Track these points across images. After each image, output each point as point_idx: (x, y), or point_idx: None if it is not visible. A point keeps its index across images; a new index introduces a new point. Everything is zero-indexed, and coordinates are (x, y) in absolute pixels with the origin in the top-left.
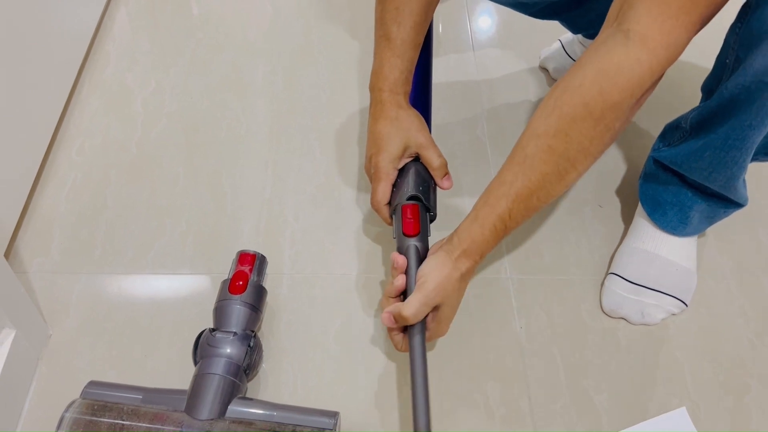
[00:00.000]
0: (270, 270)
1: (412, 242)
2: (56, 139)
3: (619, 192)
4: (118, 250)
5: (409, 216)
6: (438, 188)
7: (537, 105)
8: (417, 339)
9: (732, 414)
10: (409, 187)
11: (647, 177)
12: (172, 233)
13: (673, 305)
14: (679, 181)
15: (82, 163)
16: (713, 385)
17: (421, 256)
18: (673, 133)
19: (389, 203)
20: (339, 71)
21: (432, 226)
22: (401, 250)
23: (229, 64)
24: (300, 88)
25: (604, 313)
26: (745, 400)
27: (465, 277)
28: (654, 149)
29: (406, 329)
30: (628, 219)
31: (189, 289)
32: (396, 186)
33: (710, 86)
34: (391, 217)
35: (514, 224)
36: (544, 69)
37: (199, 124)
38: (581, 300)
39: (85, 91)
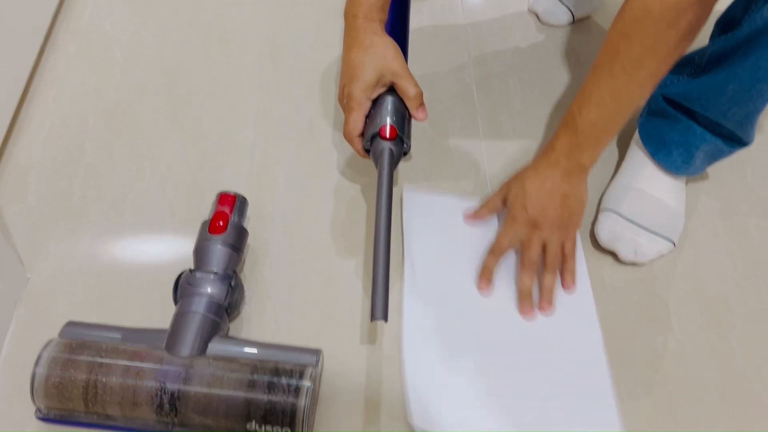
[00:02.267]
0: (253, 214)
1: (387, 144)
2: (31, 86)
3: None
4: (97, 196)
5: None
6: (413, 119)
7: (525, 50)
8: (382, 221)
9: (716, 352)
10: (383, 117)
11: (652, 114)
12: (152, 179)
13: (664, 247)
14: (689, 118)
15: (59, 110)
16: (698, 324)
17: (396, 160)
18: (682, 68)
19: (362, 135)
20: (323, 17)
21: (416, 173)
22: (375, 154)
23: (210, 9)
24: (283, 34)
25: (600, 244)
26: (729, 338)
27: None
28: (660, 85)
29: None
30: (609, 159)
31: (170, 232)
32: (369, 117)
33: (732, 16)
34: (366, 151)
35: (601, 129)
36: (532, 13)
37: (180, 71)
38: None
39: (61, 37)
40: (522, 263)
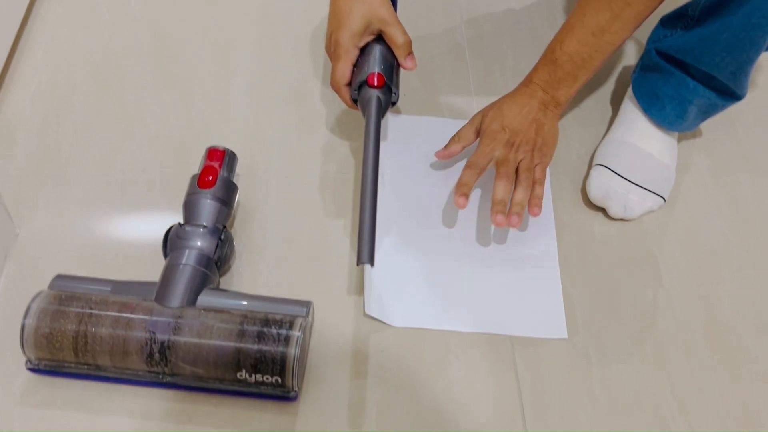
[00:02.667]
0: (243, 171)
1: (375, 92)
2: (18, 45)
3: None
4: (86, 154)
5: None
6: (402, 69)
7: (518, 11)
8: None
9: (704, 302)
10: (371, 65)
11: (645, 69)
12: (141, 137)
13: (655, 203)
14: (682, 72)
15: (47, 68)
16: (686, 276)
17: (384, 109)
18: (675, 22)
19: (350, 84)
20: None
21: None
22: (363, 103)
23: None
24: None
25: (590, 200)
26: (717, 291)
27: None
28: (653, 40)
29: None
30: (604, 116)
31: (159, 189)
32: (357, 66)
33: None
34: (354, 101)
35: (580, 65)
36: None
37: (168, 31)
38: (557, 198)
39: None
40: (498, 174)
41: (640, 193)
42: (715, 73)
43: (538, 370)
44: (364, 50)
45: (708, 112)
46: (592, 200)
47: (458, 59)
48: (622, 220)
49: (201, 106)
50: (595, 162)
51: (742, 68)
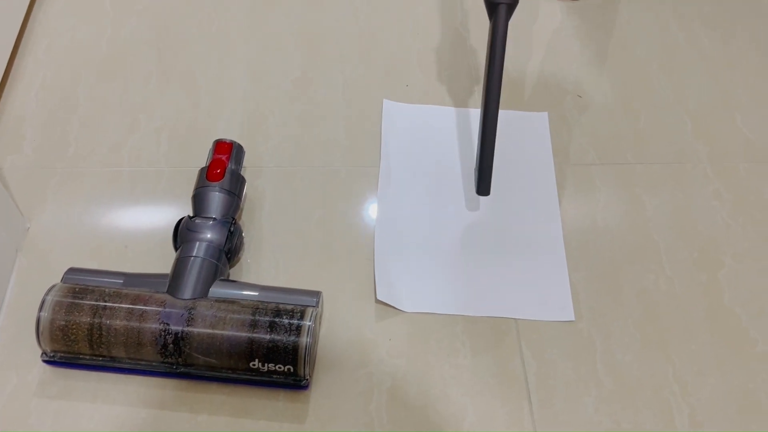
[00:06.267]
0: (249, 164)
1: None
2: (20, 42)
3: None
4: (92, 147)
5: None
6: None
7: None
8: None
9: (705, 288)
10: None
11: None
12: (147, 129)
13: None
14: None
15: (51, 63)
16: (687, 262)
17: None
18: None
19: None
20: None
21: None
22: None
23: None
24: None
25: None
26: (718, 276)
27: None
28: None
29: None
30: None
31: (166, 182)
32: None
33: None
34: None
35: None
36: None
37: (171, 23)
38: (560, 186)
39: None
40: None
41: None
42: None
43: (543, 355)
44: None
45: None
46: None
47: (459, 48)
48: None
49: (205, 97)
50: None
51: None
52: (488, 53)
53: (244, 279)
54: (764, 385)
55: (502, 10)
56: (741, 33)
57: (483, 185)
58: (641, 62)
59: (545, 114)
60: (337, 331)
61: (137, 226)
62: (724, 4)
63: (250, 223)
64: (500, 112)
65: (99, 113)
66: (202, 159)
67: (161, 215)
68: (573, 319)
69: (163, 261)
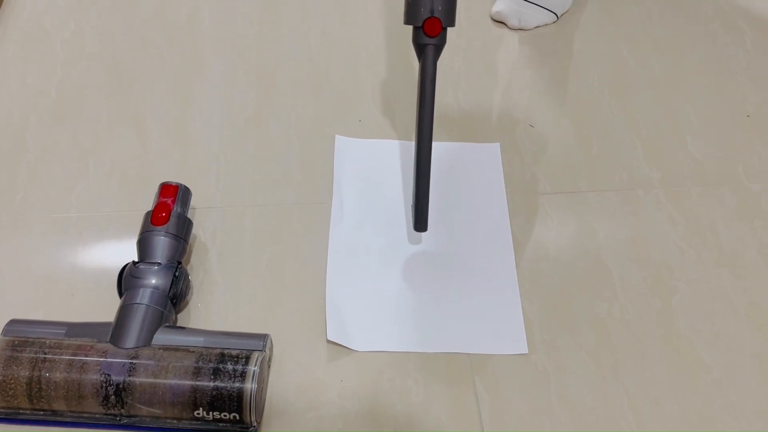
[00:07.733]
0: (200, 204)
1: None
2: None
3: None
4: (40, 193)
5: None
6: None
7: (468, 33)
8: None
9: (659, 314)
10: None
11: None
12: (96, 173)
13: (547, 17)
14: None
15: (0, 108)
16: (641, 288)
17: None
18: None
19: None
20: (268, 5)
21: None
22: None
23: (151, 2)
24: (226, 24)
25: (491, 16)
26: (671, 302)
27: None
28: None
29: None
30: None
31: (115, 226)
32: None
33: None
34: None
35: None
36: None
37: (122, 64)
38: (512, 215)
39: (0, 36)
40: None
41: (534, 8)
42: None
43: (497, 389)
44: None
45: None
46: (492, 16)
47: (412, 82)
48: (519, 30)
49: (156, 139)
50: None
51: None
52: (419, 93)
53: (192, 324)
54: (720, 411)
55: (430, 51)
56: (690, 57)
57: (420, 222)
58: (593, 89)
59: (497, 145)
60: (287, 373)
61: (84, 274)
62: (675, 29)
63: (199, 265)
64: (451, 144)
65: (48, 158)
66: (151, 202)
67: (109, 261)
68: (526, 351)
69: (110, 308)
